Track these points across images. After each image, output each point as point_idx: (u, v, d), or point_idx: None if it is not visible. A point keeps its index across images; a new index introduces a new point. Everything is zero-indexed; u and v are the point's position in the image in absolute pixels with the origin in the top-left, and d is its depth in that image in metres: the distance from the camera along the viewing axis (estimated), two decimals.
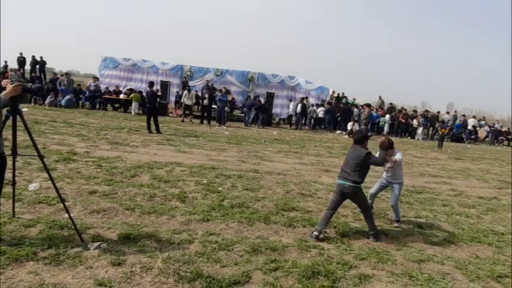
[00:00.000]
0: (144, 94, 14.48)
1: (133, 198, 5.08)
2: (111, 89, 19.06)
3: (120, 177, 6.02)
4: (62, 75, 19.24)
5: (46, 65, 21.08)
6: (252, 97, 18.68)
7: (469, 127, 22.35)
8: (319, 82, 20.88)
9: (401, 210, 5.90)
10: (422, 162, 11.50)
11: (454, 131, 21.69)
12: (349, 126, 17.75)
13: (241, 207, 5.13)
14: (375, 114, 19.90)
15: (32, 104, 16.26)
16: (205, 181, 6.32)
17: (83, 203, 4.65)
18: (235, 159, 8.64)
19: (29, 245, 3.35)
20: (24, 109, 12.46)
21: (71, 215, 3.64)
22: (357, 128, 17.62)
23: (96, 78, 19.50)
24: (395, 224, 5.15)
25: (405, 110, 21.92)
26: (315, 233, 4.32)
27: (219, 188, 5.99)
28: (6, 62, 19.86)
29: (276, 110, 20.03)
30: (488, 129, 23.60)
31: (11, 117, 3.27)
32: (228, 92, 18.75)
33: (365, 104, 20.76)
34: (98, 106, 18.03)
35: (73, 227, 3.58)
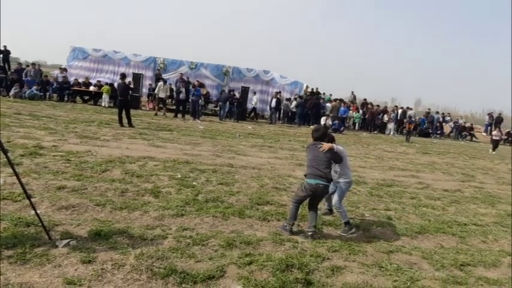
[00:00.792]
0: (116, 86, 14.06)
1: (104, 194, 4.94)
2: (81, 80, 18.37)
3: (90, 172, 5.84)
4: (28, 66, 18.33)
5: (10, 55, 20.02)
6: (226, 91, 18.57)
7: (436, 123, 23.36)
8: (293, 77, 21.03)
9: (372, 203, 6.10)
10: (392, 157, 11.89)
11: (421, 127, 22.58)
12: (323, 120, 18.04)
13: (215, 202, 5.12)
14: (342, 108, 20.34)
15: None
16: (179, 176, 6.25)
17: (51, 199, 4.48)
18: (210, 154, 8.58)
19: None
20: None
21: (38, 211, 3.50)
22: (330, 122, 17.97)
23: (63, 69, 18.71)
24: (345, 229, 4.55)
25: (372, 105, 22.29)
26: (287, 226, 4.33)
27: (194, 183, 5.94)
28: None
29: (250, 104, 20.02)
30: (452, 125, 24.72)
31: None
32: (202, 85, 18.53)
33: (338, 100, 21.20)
34: (66, 98, 17.34)
35: (40, 224, 3.44)
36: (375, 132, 20.76)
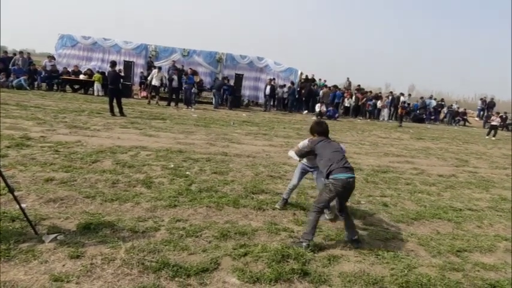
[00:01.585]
0: (106, 74, 13.74)
1: (94, 185, 4.80)
2: (70, 69, 17.95)
3: (79, 163, 5.68)
4: (15, 54, 17.83)
5: None
6: (220, 78, 18.28)
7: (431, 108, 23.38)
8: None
9: (367, 189, 6.05)
10: (386, 143, 11.86)
11: (415, 112, 22.58)
12: (317, 107, 17.91)
13: (209, 192, 5.02)
14: (338, 92, 20.21)
15: None
16: (172, 165, 6.12)
17: (38, 191, 4.33)
18: (204, 142, 8.45)
19: None
20: None
21: (25, 205, 3.38)
22: (324, 109, 17.84)
23: (51, 58, 18.24)
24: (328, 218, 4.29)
25: (358, 90, 21.90)
26: (304, 243, 3.60)
27: (187, 172, 5.82)
28: None
29: (244, 91, 19.78)
30: (446, 110, 24.77)
31: None
32: (195, 73, 18.22)
33: (332, 86, 21.04)
34: (55, 87, 16.96)
35: (25, 219, 3.31)
36: (363, 118, 20.54)
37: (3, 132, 7.11)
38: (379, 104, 21.07)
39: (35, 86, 16.74)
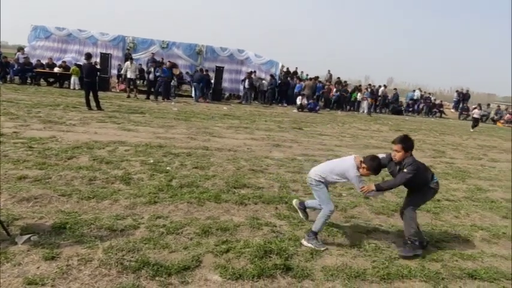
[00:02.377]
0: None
1: (70, 183, 4.64)
2: (44, 61, 17.27)
3: (54, 160, 5.48)
4: None
5: None
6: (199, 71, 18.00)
7: (410, 100, 23.91)
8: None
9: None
10: (366, 135, 12.02)
11: (394, 105, 23.00)
12: (298, 100, 17.94)
13: (190, 187, 4.94)
14: (319, 85, 20.33)
15: None
16: (152, 160, 5.99)
17: (10, 190, 4.15)
18: (184, 136, 8.31)
19: None
20: None
21: None
22: (305, 102, 17.89)
23: (23, 50, 17.49)
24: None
25: (330, 82, 22.29)
26: (417, 242, 3.71)
27: (167, 168, 5.71)
28: None
29: (225, 84, 19.58)
30: (423, 102, 25.34)
31: None
32: (174, 65, 17.86)
33: (313, 78, 21.10)
34: (29, 81, 16.30)
35: None
36: (349, 110, 20.83)
37: None
38: (359, 96, 21.33)
39: (7, 79, 16.04)
